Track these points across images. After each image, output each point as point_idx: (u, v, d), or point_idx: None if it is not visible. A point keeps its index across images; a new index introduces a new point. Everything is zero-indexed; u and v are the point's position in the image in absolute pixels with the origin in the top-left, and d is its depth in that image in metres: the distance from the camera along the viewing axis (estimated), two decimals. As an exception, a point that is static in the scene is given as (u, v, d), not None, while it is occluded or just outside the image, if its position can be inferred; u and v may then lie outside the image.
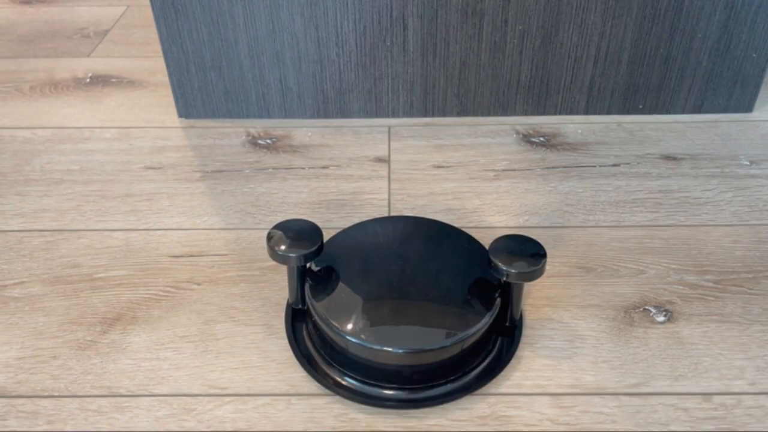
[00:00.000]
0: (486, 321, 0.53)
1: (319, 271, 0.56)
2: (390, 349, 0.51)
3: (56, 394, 0.54)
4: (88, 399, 0.54)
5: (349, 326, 0.52)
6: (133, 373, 0.56)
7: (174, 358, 0.57)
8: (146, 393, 0.54)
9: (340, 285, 0.55)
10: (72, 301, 0.62)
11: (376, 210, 0.72)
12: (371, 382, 0.53)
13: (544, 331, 0.59)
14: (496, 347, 0.56)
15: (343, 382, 0.53)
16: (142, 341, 0.58)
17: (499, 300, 0.54)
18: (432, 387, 0.53)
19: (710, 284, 0.63)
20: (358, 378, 0.53)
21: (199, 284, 0.64)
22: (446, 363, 0.53)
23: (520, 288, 0.56)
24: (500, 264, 0.52)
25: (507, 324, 0.58)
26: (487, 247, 0.55)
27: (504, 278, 0.53)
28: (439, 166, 0.79)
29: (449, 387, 0.53)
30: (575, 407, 0.53)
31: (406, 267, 0.56)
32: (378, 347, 0.51)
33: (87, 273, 0.65)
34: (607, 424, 0.51)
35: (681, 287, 0.63)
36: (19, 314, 0.61)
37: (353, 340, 0.51)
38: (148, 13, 0.78)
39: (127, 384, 0.55)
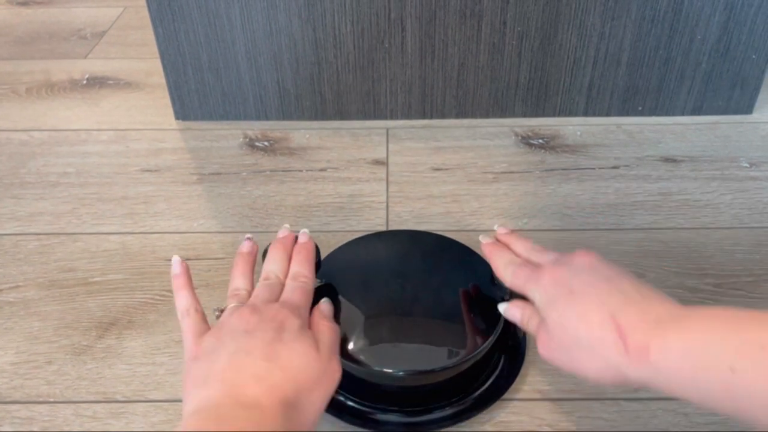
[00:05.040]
0: (489, 342, 0.50)
1: (317, 288, 0.54)
2: (390, 371, 0.49)
3: (51, 399, 0.54)
4: (83, 405, 0.53)
5: (348, 347, 0.50)
6: (128, 378, 0.55)
7: (170, 363, 0.56)
8: (142, 399, 0.54)
9: (338, 304, 0.53)
10: (67, 305, 0.62)
11: (375, 213, 0.72)
12: (370, 404, 0.52)
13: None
14: (498, 367, 0.54)
15: (341, 402, 0.52)
16: (138, 346, 0.58)
17: (503, 319, 0.52)
18: (432, 410, 0.51)
19: (710, 288, 0.62)
20: (356, 400, 0.52)
21: (196, 288, 0.63)
22: (446, 385, 0.51)
23: None
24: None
25: (510, 343, 0.56)
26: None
27: (507, 296, 0.51)
28: (437, 169, 0.78)
29: (449, 411, 0.51)
30: (574, 412, 0.52)
31: (406, 285, 0.55)
32: (377, 368, 0.49)
33: (83, 277, 0.65)
34: (607, 429, 0.51)
35: (681, 291, 0.62)
36: (14, 319, 0.61)
37: (351, 361, 0.49)
38: (145, 14, 0.77)
39: (123, 389, 0.54)
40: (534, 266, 0.47)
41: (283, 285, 0.50)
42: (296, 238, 0.54)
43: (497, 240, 0.54)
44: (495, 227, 0.56)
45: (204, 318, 0.47)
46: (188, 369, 0.43)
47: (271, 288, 0.49)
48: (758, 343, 0.33)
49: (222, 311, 0.48)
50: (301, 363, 0.42)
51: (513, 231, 0.54)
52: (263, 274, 0.51)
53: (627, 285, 0.42)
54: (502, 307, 0.50)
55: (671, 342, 0.36)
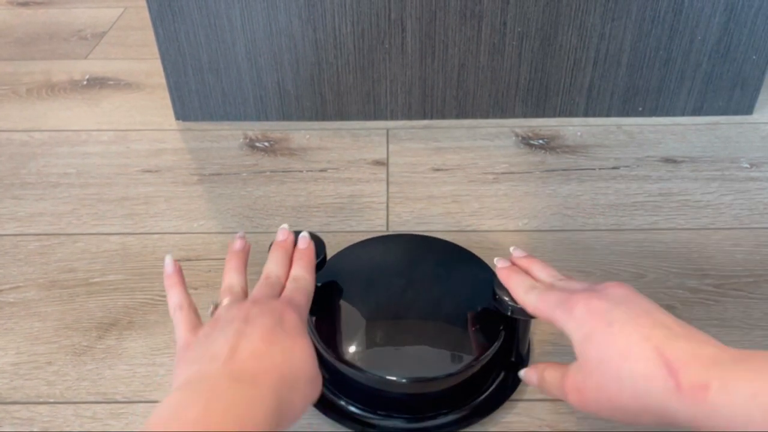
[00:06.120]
0: (492, 349, 0.50)
1: (319, 290, 0.53)
2: (393, 378, 0.48)
3: (51, 400, 0.54)
4: (83, 405, 0.53)
5: (350, 353, 0.50)
6: (129, 379, 0.55)
7: (170, 364, 0.56)
8: (142, 399, 0.54)
9: (341, 310, 0.53)
10: (68, 306, 0.62)
11: (375, 213, 0.72)
12: (371, 409, 0.52)
13: (543, 336, 0.58)
14: (501, 375, 0.54)
15: (339, 406, 0.52)
16: (138, 347, 0.58)
17: (503, 333, 0.51)
18: (434, 417, 0.51)
19: (710, 288, 0.62)
20: (355, 405, 0.52)
21: (195, 289, 0.63)
22: (449, 392, 0.51)
23: (527, 324, 0.52)
24: (506, 299, 0.48)
25: (513, 360, 0.54)
26: (491, 265, 0.52)
27: (509, 313, 0.49)
28: (437, 169, 0.78)
29: (450, 417, 0.51)
30: (575, 413, 0.52)
31: (409, 291, 0.54)
32: (380, 375, 0.48)
33: (83, 277, 0.65)
34: (607, 430, 0.51)
35: (681, 291, 0.62)
36: (15, 319, 0.61)
37: (353, 368, 0.49)
38: (146, 14, 0.78)
39: (123, 390, 0.54)
40: (565, 293, 0.43)
41: (283, 286, 0.49)
42: (296, 238, 0.53)
43: (513, 264, 0.51)
44: (510, 249, 0.52)
45: (197, 314, 0.47)
46: (180, 357, 0.42)
47: (271, 286, 0.48)
48: None
49: (217, 306, 0.47)
50: (300, 355, 0.41)
51: (530, 255, 0.51)
52: (264, 274, 0.50)
53: (669, 319, 0.39)
54: (522, 373, 0.49)
55: (738, 384, 0.34)
